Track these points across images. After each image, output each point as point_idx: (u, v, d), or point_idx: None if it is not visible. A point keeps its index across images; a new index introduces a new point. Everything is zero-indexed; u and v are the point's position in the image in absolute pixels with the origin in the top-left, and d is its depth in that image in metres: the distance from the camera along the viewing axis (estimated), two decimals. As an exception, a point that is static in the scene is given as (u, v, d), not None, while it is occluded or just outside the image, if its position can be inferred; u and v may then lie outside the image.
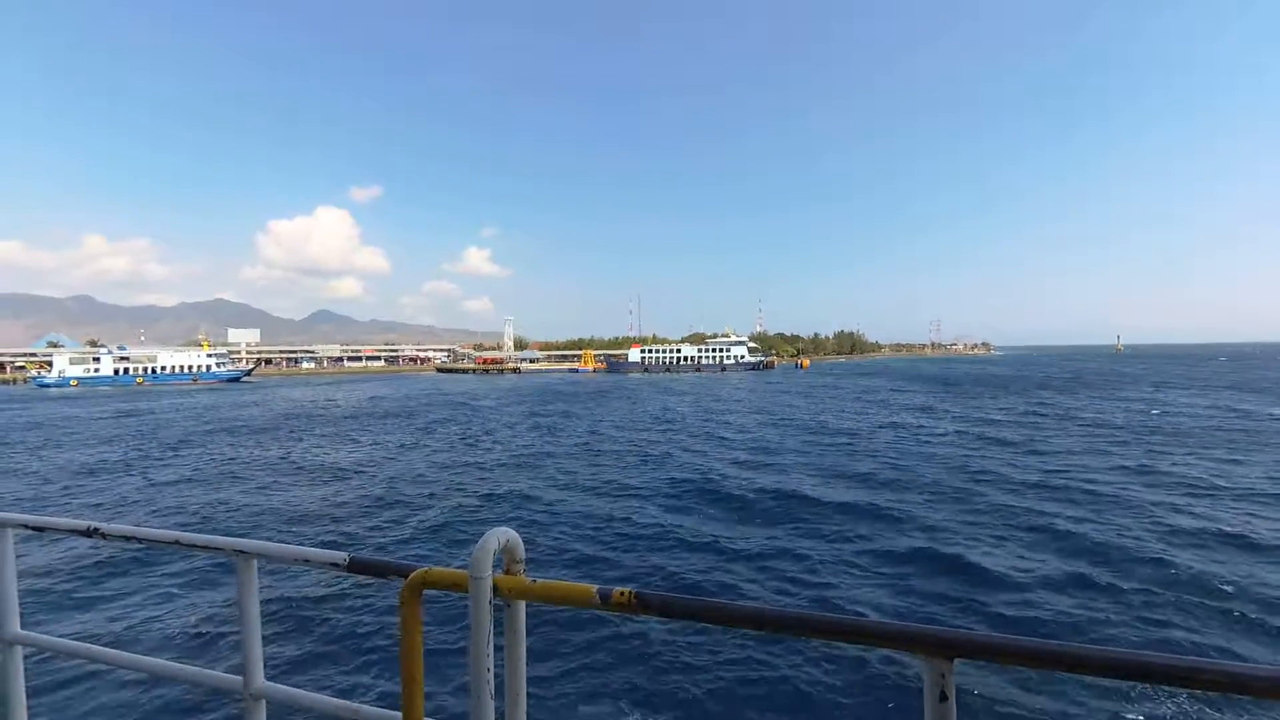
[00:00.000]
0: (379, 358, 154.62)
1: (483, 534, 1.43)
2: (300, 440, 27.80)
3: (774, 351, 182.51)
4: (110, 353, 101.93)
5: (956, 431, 25.64)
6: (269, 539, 9.62)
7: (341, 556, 1.71)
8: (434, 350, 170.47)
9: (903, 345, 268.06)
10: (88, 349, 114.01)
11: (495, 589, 1.40)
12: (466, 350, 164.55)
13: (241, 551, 1.84)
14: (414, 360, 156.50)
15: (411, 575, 1.51)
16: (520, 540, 1.48)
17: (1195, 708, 6.40)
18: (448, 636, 7.86)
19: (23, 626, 2.30)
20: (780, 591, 9.73)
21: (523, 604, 1.46)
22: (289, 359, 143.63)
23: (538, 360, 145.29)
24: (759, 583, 10.06)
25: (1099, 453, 20.14)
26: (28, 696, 2.28)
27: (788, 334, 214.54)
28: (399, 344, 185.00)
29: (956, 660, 1.05)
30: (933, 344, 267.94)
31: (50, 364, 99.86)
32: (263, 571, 1.61)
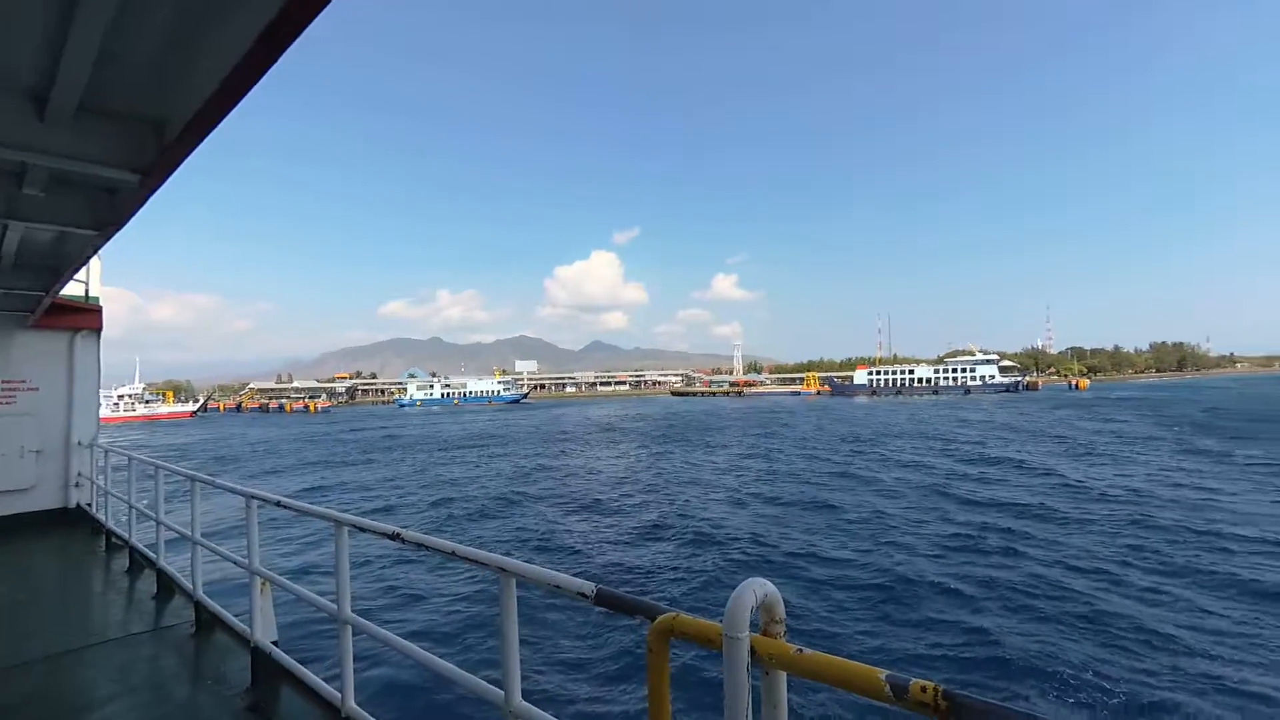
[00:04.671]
0: (625, 382, 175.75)
1: (735, 583, 1.25)
2: (556, 453, 32.07)
3: (1052, 370, 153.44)
4: (439, 381, 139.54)
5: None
6: (521, 556, 10.07)
7: (590, 587, 1.68)
8: (673, 375, 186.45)
9: (1274, 358, 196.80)
10: (428, 378, 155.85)
11: (752, 652, 1.22)
12: (699, 374, 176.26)
13: (504, 570, 1.96)
14: (654, 384, 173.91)
15: (658, 620, 1.40)
16: (780, 597, 1.30)
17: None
18: (691, 691, 6.71)
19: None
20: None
21: (784, 676, 1.25)
22: (556, 384, 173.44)
23: (764, 383, 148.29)
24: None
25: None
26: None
27: (1086, 349, 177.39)
28: (658, 368, 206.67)
29: None
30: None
31: (405, 389, 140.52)
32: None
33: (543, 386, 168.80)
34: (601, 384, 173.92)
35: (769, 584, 1.29)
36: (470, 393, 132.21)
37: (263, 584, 3.91)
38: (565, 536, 14.33)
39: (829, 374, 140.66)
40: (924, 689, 1.04)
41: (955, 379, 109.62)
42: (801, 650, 1.20)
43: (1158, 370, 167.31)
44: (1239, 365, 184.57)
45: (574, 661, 7.73)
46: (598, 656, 7.80)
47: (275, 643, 3.88)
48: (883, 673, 1.09)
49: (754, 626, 1.27)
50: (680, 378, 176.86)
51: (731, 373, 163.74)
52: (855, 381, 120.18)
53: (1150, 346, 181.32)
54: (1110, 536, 12.81)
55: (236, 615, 4.39)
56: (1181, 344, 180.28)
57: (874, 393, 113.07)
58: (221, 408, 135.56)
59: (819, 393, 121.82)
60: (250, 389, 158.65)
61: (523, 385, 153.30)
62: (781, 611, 1.31)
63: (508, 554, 2.72)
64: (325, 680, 3.37)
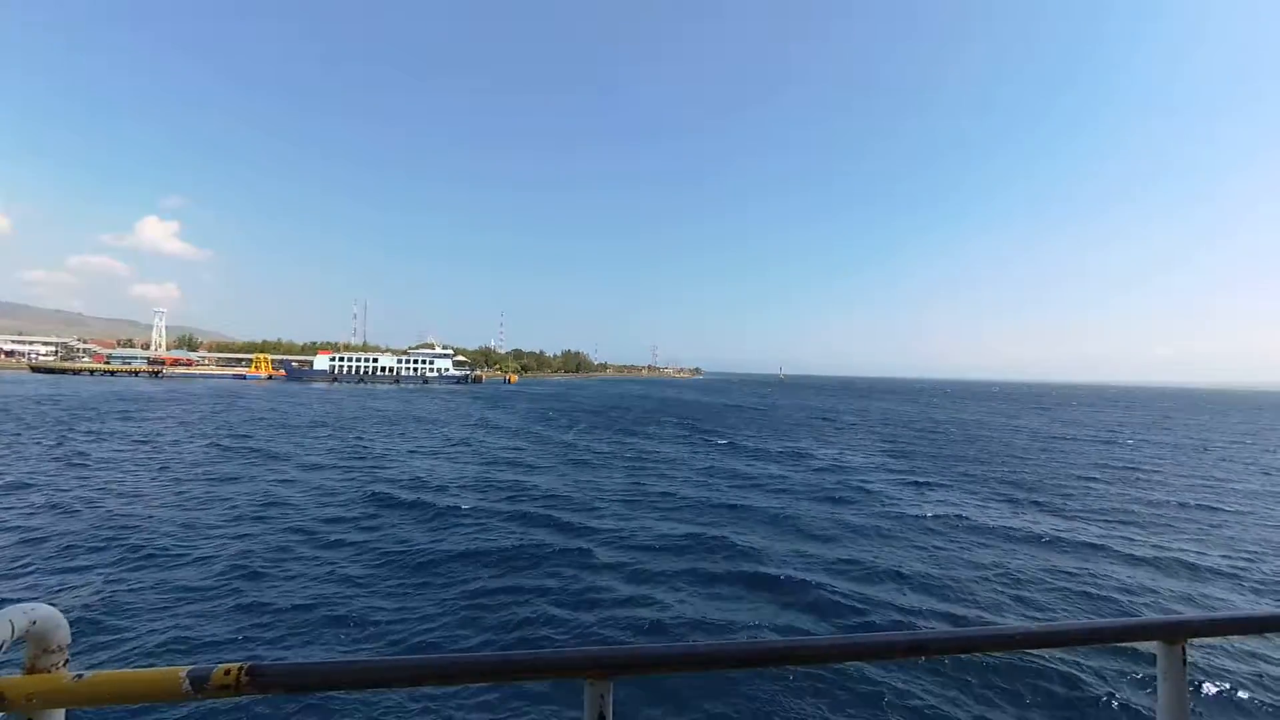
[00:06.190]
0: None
1: None
2: None
3: (498, 366, 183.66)
4: None
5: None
6: None
7: None
8: (43, 343, 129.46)
9: (626, 367, 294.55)
10: None
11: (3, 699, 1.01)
12: (90, 345, 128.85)
13: None
14: (3, 355, 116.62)
15: None
16: (61, 620, 1.09)
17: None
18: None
19: None
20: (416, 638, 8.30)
21: (59, 714, 1.06)
22: None
23: (201, 363, 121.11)
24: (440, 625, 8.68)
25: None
26: None
27: (525, 350, 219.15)
28: (13, 332, 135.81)
29: (617, 678, 0.99)
30: (649, 367, 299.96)
31: None
32: None
33: None
34: None
35: (43, 608, 1.07)
36: None
37: None
38: None
39: (286, 357, 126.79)
40: (227, 672, 1.02)
41: (416, 370, 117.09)
42: (81, 676, 1.03)
43: (566, 371, 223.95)
44: (609, 370, 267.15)
45: None
46: None
47: None
48: (184, 669, 1.02)
49: (16, 665, 1.07)
50: (55, 348, 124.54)
51: (149, 346, 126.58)
52: (316, 367, 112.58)
53: (563, 353, 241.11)
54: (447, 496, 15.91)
55: None
56: (579, 352, 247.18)
57: (335, 379, 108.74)
58: None
59: (271, 377, 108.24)
60: None
61: None
62: (63, 638, 1.10)
63: None
64: None
